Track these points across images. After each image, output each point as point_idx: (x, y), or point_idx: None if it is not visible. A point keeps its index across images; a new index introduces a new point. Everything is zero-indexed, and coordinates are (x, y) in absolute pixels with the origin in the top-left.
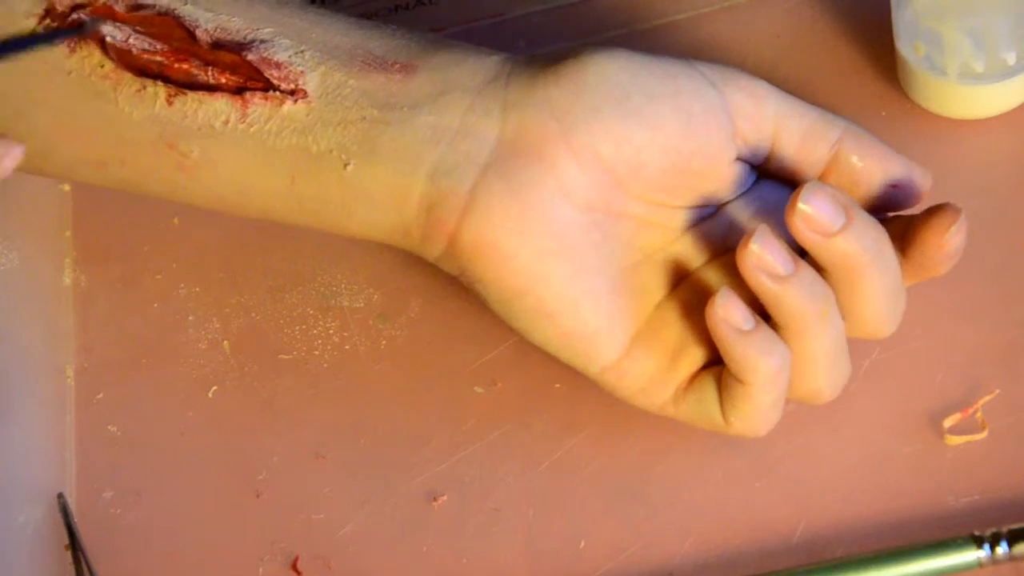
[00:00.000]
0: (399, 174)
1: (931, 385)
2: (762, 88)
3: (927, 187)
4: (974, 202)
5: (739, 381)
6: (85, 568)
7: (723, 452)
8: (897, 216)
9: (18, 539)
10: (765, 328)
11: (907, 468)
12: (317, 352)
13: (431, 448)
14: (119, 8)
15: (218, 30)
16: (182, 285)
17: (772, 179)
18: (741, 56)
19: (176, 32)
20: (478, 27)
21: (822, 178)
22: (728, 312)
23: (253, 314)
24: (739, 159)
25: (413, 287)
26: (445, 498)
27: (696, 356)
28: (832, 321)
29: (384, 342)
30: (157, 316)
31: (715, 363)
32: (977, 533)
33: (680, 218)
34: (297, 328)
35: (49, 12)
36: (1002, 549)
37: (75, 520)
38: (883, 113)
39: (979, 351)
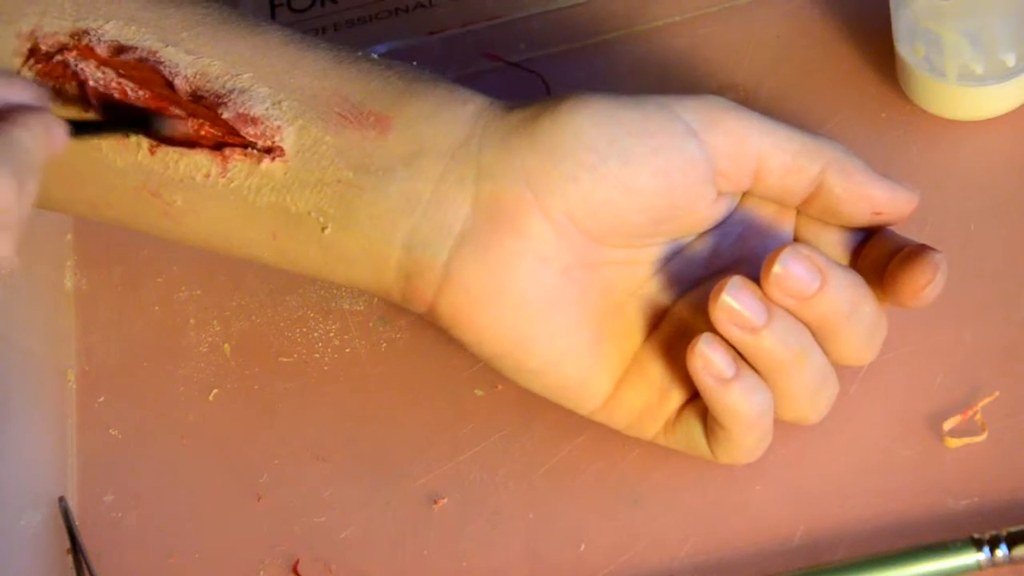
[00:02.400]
0: (376, 242)
1: (931, 387)
2: (744, 126)
3: (912, 207)
4: (974, 203)
5: (721, 426)
6: (86, 571)
7: None
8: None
9: (20, 542)
10: (746, 373)
11: (907, 470)
12: (318, 355)
13: (431, 451)
14: (101, 51)
15: (197, 76)
16: (183, 288)
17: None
18: (740, 57)
19: (155, 80)
20: (477, 29)
21: (804, 205)
22: (707, 362)
23: (254, 317)
24: (720, 194)
25: None
26: (445, 501)
27: (681, 391)
28: (811, 358)
29: (384, 345)
30: (158, 319)
31: (695, 396)
32: (977, 536)
33: (657, 253)
34: (298, 331)
35: (33, 52)
36: (1001, 552)
37: (76, 523)
38: (882, 114)
39: (979, 353)
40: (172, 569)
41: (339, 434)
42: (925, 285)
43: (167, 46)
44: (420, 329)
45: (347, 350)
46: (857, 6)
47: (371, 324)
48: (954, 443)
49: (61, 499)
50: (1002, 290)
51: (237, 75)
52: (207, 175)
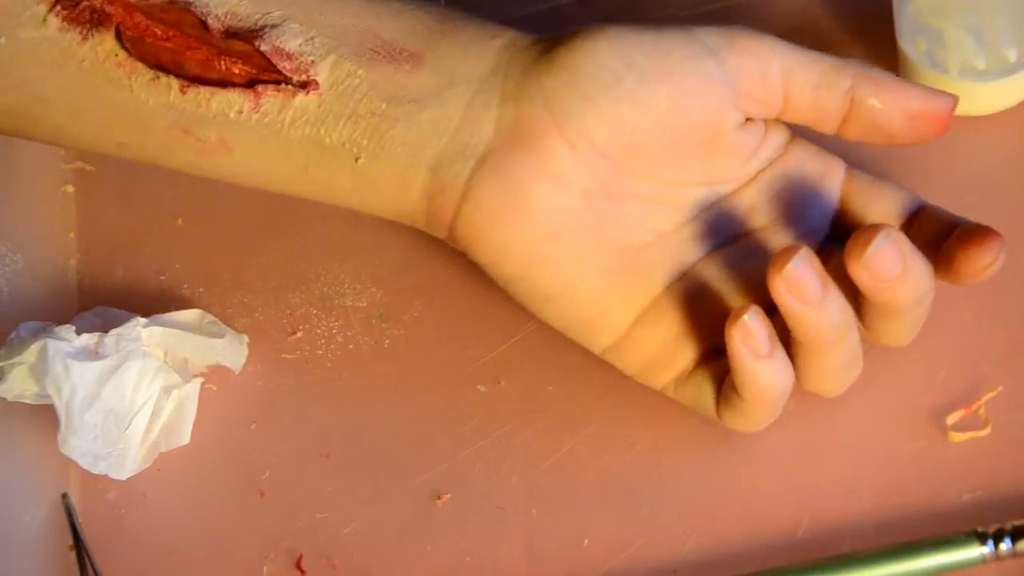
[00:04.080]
0: (405, 168)
1: (934, 382)
2: (766, 46)
3: (951, 111)
4: (974, 198)
5: (739, 395)
6: (89, 568)
7: (726, 449)
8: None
9: (23, 539)
10: (779, 352)
11: (910, 464)
12: (320, 352)
13: (434, 447)
14: None
15: (228, 16)
16: (185, 285)
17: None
18: None
19: (188, 20)
20: None
21: (843, 126)
22: (747, 336)
23: (256, 314)
24: (750, 120)
25: (416, 286)
26: (448, 496)
27: (696, 346)
28: (849, 336)
29: (387, 341)
30: None
31: (716, 352)
32: (980, 529)
33: (692, 197)
34: (300, 328)
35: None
36: (1005, 545)
37: (79, 520)
38: None
39: (982, 348)
40: (175, 565)
41: (342, 430)
42: (988, 265)
43: None
44: (422, 326)
45: (350, 347)
46: (858, 1)
47: (373, 321)
48: (957, 437)
49: (64, 495)
50: (1005, 284)
51: (268, 13)
52: (240, 111)
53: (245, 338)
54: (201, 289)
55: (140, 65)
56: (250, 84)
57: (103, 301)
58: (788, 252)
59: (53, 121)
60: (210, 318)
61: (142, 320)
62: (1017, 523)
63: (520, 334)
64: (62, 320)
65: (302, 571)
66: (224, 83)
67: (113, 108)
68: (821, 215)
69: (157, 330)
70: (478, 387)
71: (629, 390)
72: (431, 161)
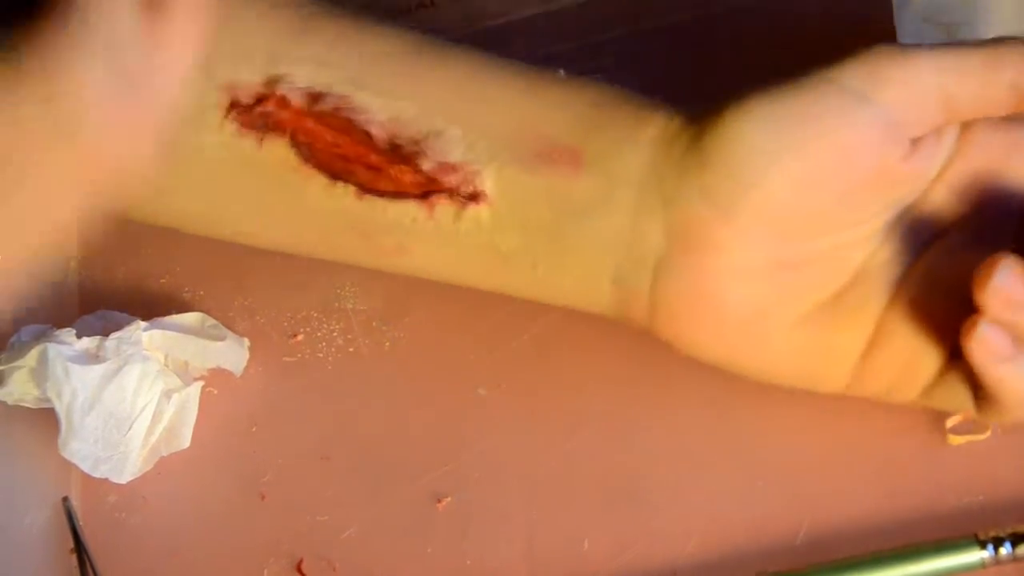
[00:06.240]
0: (585, 278)
1: None
2: (914, 65)
3: None
4: None
5: (994, 400)
6: (90, 571)
7: (725, 452)
8: None
9: (23, 542)
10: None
11: (910, 468)
12: (321, 354)
13: (435, 450)
14: (295, 100)
15: (391, 122)
16: (186, 288)
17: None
18: (743, 56)
19: (353, 129)
20: (478, 29)
21: (1015, 110)
22: (986, 345)
23: (257, 317)
24: (916, 140)
25: (417, 289)
26: (449, 499)
27: (938, 353)
28: None
29: (388, 344)
30: None
31: (958, 351)
32: (980, 534)
33: (876, 225)
34: (301, 331)
35: (234, 104)
36: (1005, 550)
37: (80, 523)
38: None
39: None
40: (175, 569)
41: (343, 433)
42: None
43: (359, 90)
44: (423, 329)
45: (351, 349)
46: (860, 3)
47: (374, 324)
48: (957, 440)
49: (65, 499)
50: None
51: (430, 118)
52: (415, 219)
53: (246, 341)
54: (202, 292)
55: (315, 171)
56: (424, 195)
57: (104, 304)
58: (991, 265)
59: (232, 224)
60: (211, 321)
61: (143, 323)
62: (1017, 527)
63: (521, 337)
64: (63, 323)
65: (303, 574)
66: (397, 195)
67: (290, 212)
68: (1016, 192)
69: (158, 333)
70: (479, 390)
71: (629, 393)
72: (611, 273)
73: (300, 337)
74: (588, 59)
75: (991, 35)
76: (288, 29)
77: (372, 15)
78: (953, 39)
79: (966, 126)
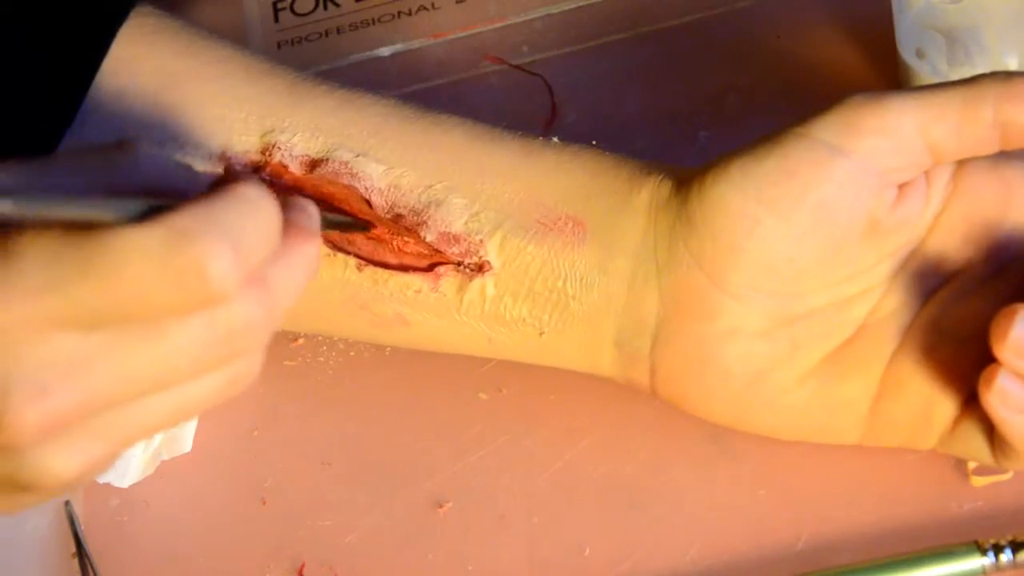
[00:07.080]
0: (589, 343)
1: None
2: (891, 111)
3: None
4: None
5: (1012, 448)
6: (91, 575)
7: (727, 459)
8: None
9: (26, 546)
10: None
11: (910, 475)
12: (322, 359)
13: (436, 455)
14: (293, 166)
15: (391, 189)
16: None
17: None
18: (743, 60)
19: (353, 195)
20: (479, 32)
21: (1002, 145)
22: (1006, 397)
23: None
24: (904, 184)
25: None
26: (450, 505)
27: (950, 406)
28: None
29: (389, 349)
30: None
31: (974, 397)
32: (981, 541)
33: (876, 276)
34: (302, 334)
35: (228, 172)
36: (1006, 557)
37: (82, 528)
38: None
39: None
40: (177, 573)
41: (343, 438)
42: None
43: (357, 156)
44: None
45: (351, 354)
46: (859, 9)
47: None
48: (980, 482)
49: (67, 503)
50: None
51: (430, 186)
52: (418, 291)
53: None
54: None
55: None
56: (428, 268)
57: None
58: (1008, 316)
59: None
60: None
61: None
62: (1018, 535)
63: None
64: None
65: None
66: (402, 268)
67: None
68: (1016, 231)
69: None
70: (480, 395)
71: (630, 401)
72: (613, 337)
73: (301, 341)
74: (589, 62)
75: (991, 40)
76: (281, 96)
77: (360, 87)
78: (953, 44)
79: (960, 167)
